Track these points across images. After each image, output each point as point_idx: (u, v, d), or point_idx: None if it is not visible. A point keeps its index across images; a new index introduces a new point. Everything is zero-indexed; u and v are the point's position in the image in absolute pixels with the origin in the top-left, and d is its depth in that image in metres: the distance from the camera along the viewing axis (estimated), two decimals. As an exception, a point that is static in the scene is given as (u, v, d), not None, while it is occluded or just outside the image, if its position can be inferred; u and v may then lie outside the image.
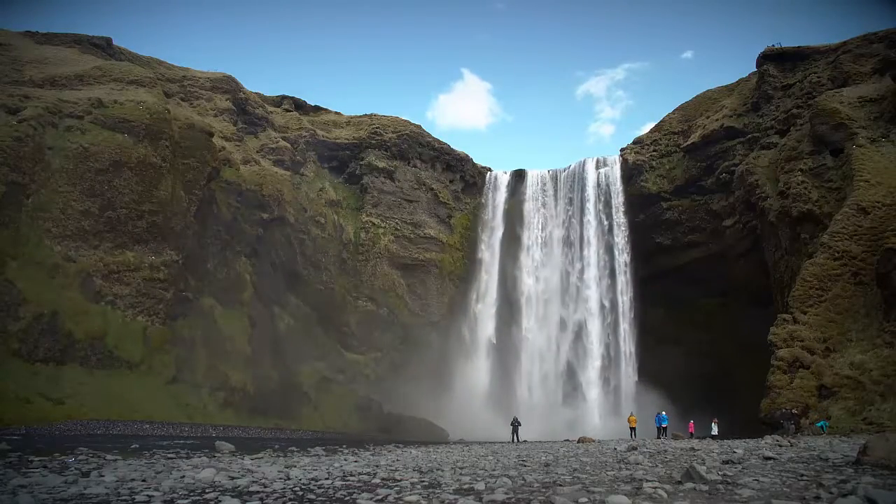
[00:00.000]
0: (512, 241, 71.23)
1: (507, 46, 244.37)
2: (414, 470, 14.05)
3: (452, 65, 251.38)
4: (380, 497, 9.51)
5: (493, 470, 13.80)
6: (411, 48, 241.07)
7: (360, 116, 77.24)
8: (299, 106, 77.40)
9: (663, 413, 39.60)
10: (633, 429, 39.62)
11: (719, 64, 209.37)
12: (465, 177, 75.55)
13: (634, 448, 20.28)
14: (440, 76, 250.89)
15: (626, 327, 62.56)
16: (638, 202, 65.14)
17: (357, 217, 70.37)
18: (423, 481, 11.52)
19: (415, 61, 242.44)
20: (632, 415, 41.30)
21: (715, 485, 9.46)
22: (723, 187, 59.10)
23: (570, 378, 63.98)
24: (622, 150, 68.63)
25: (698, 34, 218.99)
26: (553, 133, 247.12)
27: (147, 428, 37.42)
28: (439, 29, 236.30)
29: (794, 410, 32.12)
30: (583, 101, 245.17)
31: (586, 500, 8.32)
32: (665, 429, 38.82)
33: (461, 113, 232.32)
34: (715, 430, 37.74)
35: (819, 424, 31.44)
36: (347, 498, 9.81)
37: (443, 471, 13.72)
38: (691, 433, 39.15)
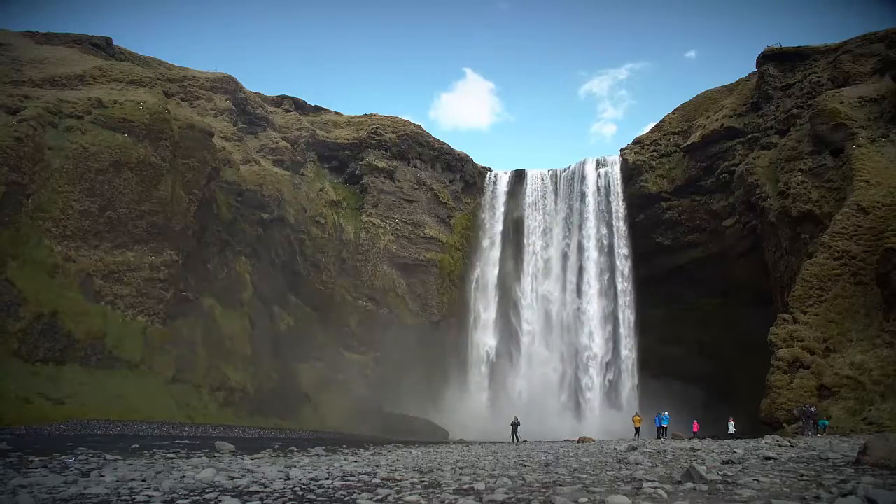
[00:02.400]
0: (512, 241, 71.25)
1: (509, 46, 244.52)
2: (414, 470, 14.05)
3: (455, 64, 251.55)
4: (380, 497, 9.51)
5: (493, 470, 13.80)
6: (413, 47, 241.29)
7: (360, 116, 77.27)
8: (299, 106, 77.44)
9: (664, 413, 39.60)
10: (637, 429, 39.66)
11: (722, 64, 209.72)
12: (465, 177, 75.58)
13: (634, 448, 20.28)
14: (442, 75, 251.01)
15: (626, 327, 62.55)
16: (638, 202, 65.13)
17: (357, 217, 70.38)
18: (423, 481, 11.52)
19: (417, 60, 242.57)
20: (636, 415, 41.33)
21: (715, 485, 9.46)
22: (723, 187, 59.09)
23: (570, 378, 63.97)
24: (622, 150, 68.63)
25: (701, 34, 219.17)
26: (555, 133, 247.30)
27: (147, 428, 37.40)
28: (441, 28, 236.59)
29: (812, 407, 31.72)
30: (585, 101, 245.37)
31: (586, 500, 8.32)
32: (665, 429, 38.80)
33: (463, 112, 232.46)
34: (732, 429, 37.56)
35: (819, 423, 31.48)
36: (347, 498, 9.81)
37: (443, 471, 13.72)
38: (695, 432, 39.12)
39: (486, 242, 72.35)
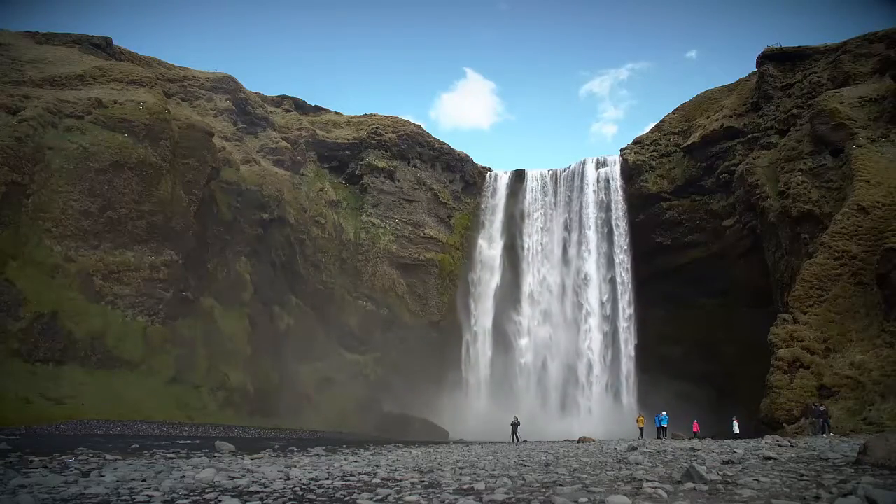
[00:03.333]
0: (512, 241, 71.25)
1: (510, 45, 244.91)
2: (414, 470, 14.05)
3: (456, 64, 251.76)
4: (380, 497, 9.51)
5: (493, 470, 13.80)
6: (414, 47, 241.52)
7: (360, 116, 77.27)
8: (299, 106, 77.46)
9: (664, 413, 39.61)
10: (641, 429, 39.69)
11: (723, 63, 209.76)
12: (465, 177, 75.59)
13: (634, 448, 20.28)
14: (443, 75, 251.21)
15: (626, 327, 62.51)
16: (638, 202, 65.11)
17: (357, 217, 70.38)
18: (423, 481, 11.52)
19: (418, 61, 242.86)
20: (640, 415, 41.37)
21: (715, 485, 9.46)
22: (723, 187, 59.08)
23: (571, 377, 63.93)
24: (622, 149, 68.60)
25: (702, 34, 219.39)
26: (556, 133, 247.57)
27: (147, 428, 37.42)
28: (442, 28, 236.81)
29: (822, 406, 31.36)
30: (586, 101, 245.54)
31: (586, 500, 8.32)
32: (665, 429, 38.84)
33: (464, 112, 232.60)
34: (737, 429, 37.44)
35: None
36: (347, 498, 9.81)
37: (443, 471, 13.73)
38: (695, 432, 39.13)
39: (485, 242, 72.37)
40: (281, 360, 58.25)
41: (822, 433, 29.15)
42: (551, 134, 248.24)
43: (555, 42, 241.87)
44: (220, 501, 9.38)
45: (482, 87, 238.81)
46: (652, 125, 70.08)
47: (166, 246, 49.83)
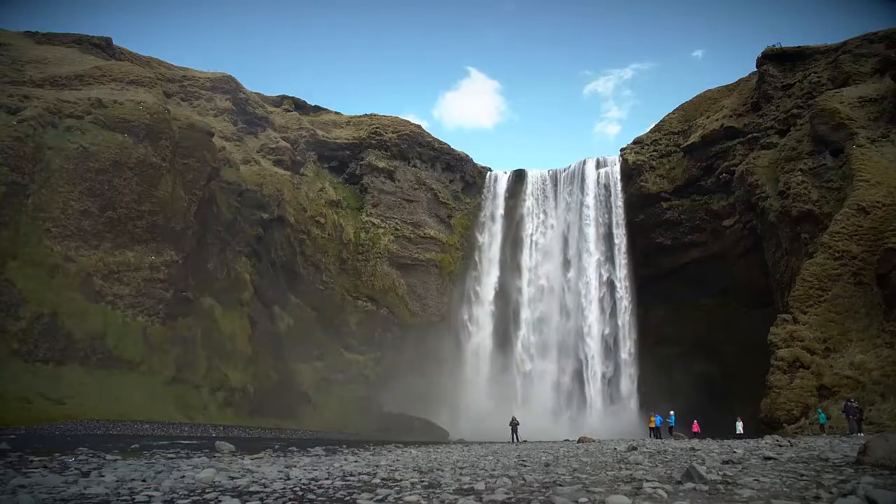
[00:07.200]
0: (511, 241, 71.28)
1: (514, 45, 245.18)
2: (414, 470, 14.05)
3: (459, 63, 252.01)
4: (380, 497, 9.50)
5: (493, 470, 13.79)
6: (418, 47, 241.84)
7: (360, 116, 77.33)
8: (299, 106, 77.55)
9: (671, 413, 39.65)
10: (651, 429, 39.74)
11: (729, 63, 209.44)
12: (465, 177, 75.61)
13: (634, 448, 20.28)
14: (447, 74, 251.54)
15: (625, 327, 62.52)
16: (638, 202, 65.12)
17: (357, 217, 70.41)
18: (423, 481, 11.52)
19: (421, 60, 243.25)
20: (652, 416, 41.42)
21: (715, 485, 9.45)
22: (723, 187, 59.09)
23: (570, 378, 63.94)
24: (622, 150, 68.63)
25: (708, 33, 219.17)
26: (559, 132, 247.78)
27: (147, 428, 37.43)
28: (446, 27, 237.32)
29: (856, 403, 30.68)
30: (589, 101, 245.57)
31: (586, 500, 8.32)
32: (671, 428, 38.92)
33: (468, 111, 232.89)
34: (740, 429, 37.32)
35: (818, 411, 31.71)
36: (347, 498, 9.80)
37: (443, 471, 13.73)
38: (695, 432, 39.13)
39: (485, 242, 72.44)
40: (281, 360, 58.25)
41: (857, 431, 27.92)
42: (555, 133, 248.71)
43: (559, 41, 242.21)
44: (220, 501, 9.38)
45: (486, 86, 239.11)
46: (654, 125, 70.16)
47: (166, 246, 49.83)
